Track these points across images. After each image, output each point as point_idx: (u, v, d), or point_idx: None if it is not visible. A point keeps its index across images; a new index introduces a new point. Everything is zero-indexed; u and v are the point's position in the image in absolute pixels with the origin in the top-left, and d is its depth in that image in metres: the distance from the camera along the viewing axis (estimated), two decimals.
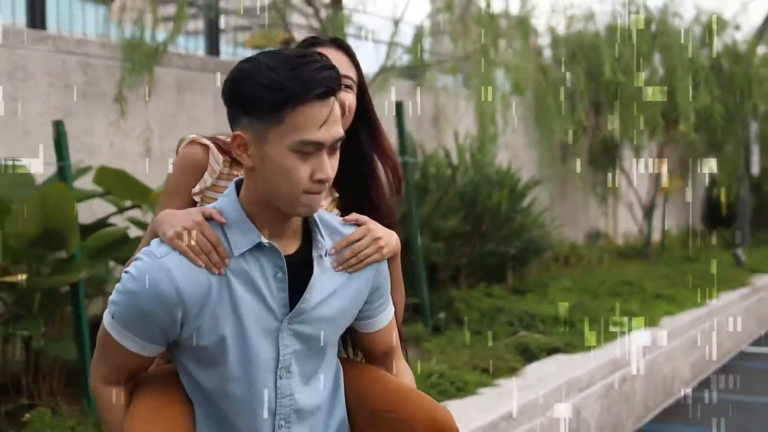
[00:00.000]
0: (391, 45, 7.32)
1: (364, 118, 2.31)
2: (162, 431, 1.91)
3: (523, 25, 7.96)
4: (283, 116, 1.80)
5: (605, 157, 11.59)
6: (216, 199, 2.00)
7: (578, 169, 11.03)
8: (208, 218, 1.90)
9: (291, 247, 1.97)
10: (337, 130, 1.87)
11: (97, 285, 4.73)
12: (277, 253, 1.91)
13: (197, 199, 2.12)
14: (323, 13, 6.71)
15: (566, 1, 9.95)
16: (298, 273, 1.95)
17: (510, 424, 4.60)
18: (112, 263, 4.78)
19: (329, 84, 1.83)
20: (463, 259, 7.51)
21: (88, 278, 4.44)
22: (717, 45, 11.41)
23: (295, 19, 7.72)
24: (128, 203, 5.07)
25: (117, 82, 5.81)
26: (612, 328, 6.71)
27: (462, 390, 4.88)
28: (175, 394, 1.99)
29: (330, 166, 1.88)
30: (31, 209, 3.97)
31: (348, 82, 2.24)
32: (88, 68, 5.84)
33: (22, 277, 4.01)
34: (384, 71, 7.34)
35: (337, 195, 2.29)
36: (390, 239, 2.11)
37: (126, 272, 1.87)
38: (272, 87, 1.80)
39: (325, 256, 2.00)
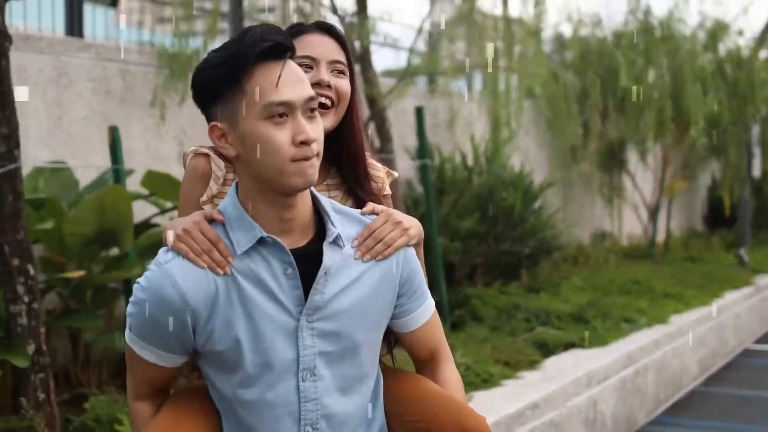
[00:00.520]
0: (412, 52, 7.58)
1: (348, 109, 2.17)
2: None
3: (536, 31, 8.22)
4: (243, 85, 1.77)
5: (612, 159, 11.86)
6: None
7: (586, 171, 11.31)
8: (210, 220, 1.86)
9: (302, 240, 1.88)
10: (304, 90, 1.80)
11: None
12: (281, 247, 1.83)
13: (207, 207, 2.05)
14: (348, 21, 6.96)
15: (574, 7, 10.20)
16: (315, 267, 1.86)
17: (534, 412, 4.87)
18: None
19: (274, 39, 1.77)
20: (479, 258, 7.77)
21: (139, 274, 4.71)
22: (721, 50, 11.68)
23: None
24: (169, 204, 5.33)
25: (153, 88, 6.07)
26: (624, 325, 6.99)
27: (488, 381, 5.15)
28: (200, 406, 1.95)
29: (310, 128, 1.80)
30: (88, 210, 4.23)
31: (339, 66, 2.15)
32: (126, 75, 6.10)
33: (80, 273, 4.26)
34: (404, 77, 7.61)
35: (347, 187, 2.19)
36: (415, 223, 2.02)
37: (137, 283, 1.84)
38: (222, 61, 1.78)
39: (341, 245, 1.89)
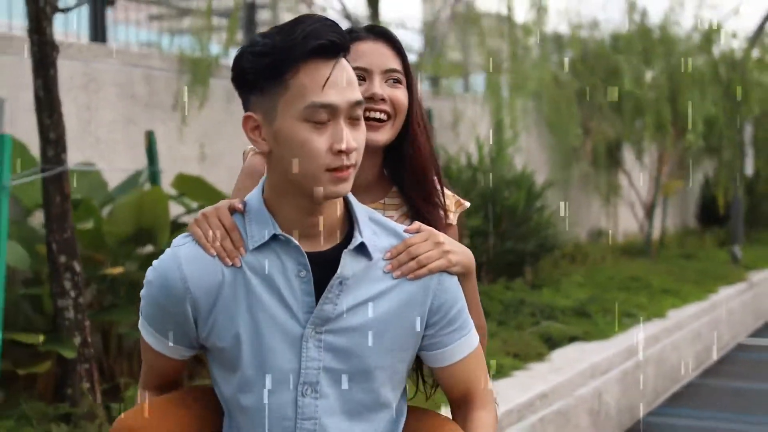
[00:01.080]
0: (423, 57, 7.85)
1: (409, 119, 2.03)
2: (150, 425, 1.77)
3: (538, 34, 8.50)
4: (286, 80, 1.64)
5: (608, 159, 12.15)
6: None
7: (583, 170, 11.59)
8: (231, 210, 1.77)
9: (325, 245, 1.75)
10: (352, 94, 1.67)
11: None
12: (296, 247, 1.71)
13: None
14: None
15: (572, 9, 10.47)
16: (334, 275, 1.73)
17: (543, 402, 5.15)
18: None
19: (329, 37, 1.64)
20: (485, 255, 8.05)
21: None
22: (715, 52, 11.97)
23: None
24: (194, 205, 5.59)
25: (174, 92, 6.33)
26: (625, 319, 7.28)
27: (499, 372, 5.44)
28: (202, 404, 1.86)
29: (351, 136, 1.67)
30: (128, 210, 4.50)
31: (395, 75, 1.99)
32: (149, 79, 6.36)
33: (119, 270, 4.52)
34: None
35: (406, 209, 2.05)
36: (461, 251, 1.84)
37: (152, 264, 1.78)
38: (267, 51, 1.64)
39: (368, 256, 1.75)
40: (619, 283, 8.97)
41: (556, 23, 12.00)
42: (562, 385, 5.40)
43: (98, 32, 6.44)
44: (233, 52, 7.10)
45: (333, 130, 1.65)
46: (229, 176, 6.15)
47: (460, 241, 2.07)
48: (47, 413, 4.04)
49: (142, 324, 1.81)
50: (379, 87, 1.97)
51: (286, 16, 8.14)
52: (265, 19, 8.14)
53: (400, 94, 1.99)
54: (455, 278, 1.82)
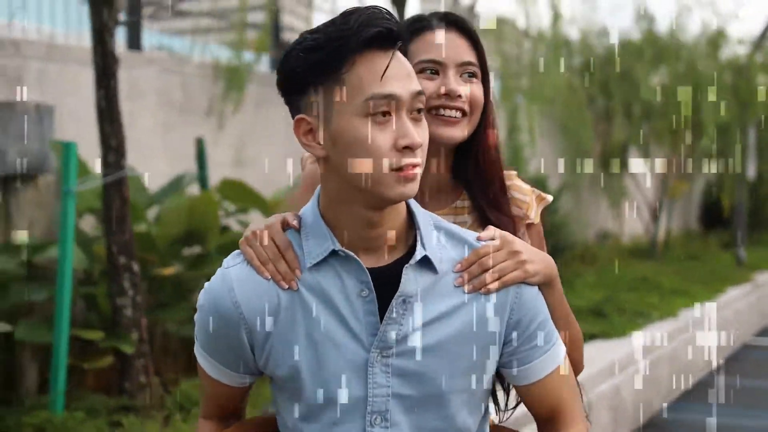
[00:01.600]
0: None
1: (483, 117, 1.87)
2: None
3: (553, 42, 8.75)
4: (342, 75, 1.51)
5: (617, 162, 12.41)
6: None
7: (591, 173, 11.85)
8: (285, 225, 1.63)
9: (388, 258, 1.60)
10: (411, 84, 1.53)
11: None
12: (357, 264, 1.57)
13: None
14: None
15: (583, 17, 10.73)
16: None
17: None
18: None
19: (384, 24, 1.50)
20: None
21: None
22: (721, 57, 12.25)
23: None
24: (232, 207, 5.82)
25: (209, 98, 6.57)
26: (639, 319, 7.55)
27: None
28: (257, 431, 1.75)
29: (416, 132, 1.53)
30: (180, 213, 4.75)
31: (471, 69, 1.83)
32: (185, 86, 6.60)
33: (171, 271, 4.76)
34: None
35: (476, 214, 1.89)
36: (540, 259, 1.66)
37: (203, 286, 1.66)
38: (320, 45, 1.51)
39: (435, 270, 1.60)
40: (629, 283, 9.22)
41: (567, 29, 12.24)
42: (584, 381, 5.62)
43: (134, 40, 6.67)
44: (264, 60, 7.34)
45: (396, 125, 1.52)
46: (261, 179, 6.40)
47: (545, 240, 1.95)
48: (108, 405, 4.28)
49: (197, 350, 1.68)
50: (454, 82, 1.81)
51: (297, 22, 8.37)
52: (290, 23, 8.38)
53: (477, 90, 1.83)
54: (535, 289, 1.66)
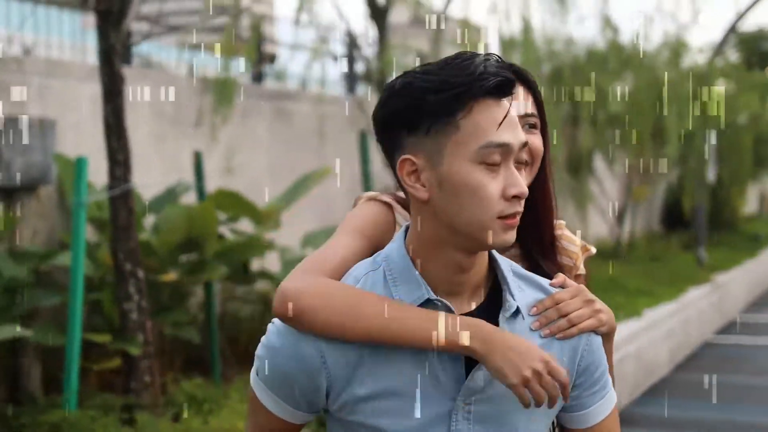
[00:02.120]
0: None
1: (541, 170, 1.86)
2: None
3: (525, 51, 9.10)
4: (458, 120, 1.49)
5: (582, 167, 12.83)
6: None
7: (557, 178, 12.22)
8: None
9: (470, 304, 1.59)
10: (520, 134, 1.54)
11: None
12: (449, 312, 1.54)
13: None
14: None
15: (550, 27, 11.08)
16: None
17: None
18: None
19: (505, 74, 1.51)
20: None
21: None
22: (682, 66, 12.71)
23: None
24: (223, 216, 6.11)
25: (198, 110, 6.86)
26: None
27: None
28: None
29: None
30: (179, 222, 5.04)
31: (531, 120, 1.83)
32: (178, 98, 6.88)
33: (172, 277, 5.06)
34: None
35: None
36: (607, 310, 1.70)
37: (272, 323, 1.60)
38: (438, 88, 1.49)
39: (516, 316, 1.59)
40: (596, 283, 9.60)
41: (536, 39, 12.64)
42: None
43: (125, 55, 6.93)
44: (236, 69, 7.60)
45: (505, 174, 1.52)
46: (249, 187, 6.69)
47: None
48: (115, 405, 4.57)
49: (257, 384, 1.61)
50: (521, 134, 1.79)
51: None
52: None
53: (537, 141, 1.82)
54: (600, 338, 1.67)
